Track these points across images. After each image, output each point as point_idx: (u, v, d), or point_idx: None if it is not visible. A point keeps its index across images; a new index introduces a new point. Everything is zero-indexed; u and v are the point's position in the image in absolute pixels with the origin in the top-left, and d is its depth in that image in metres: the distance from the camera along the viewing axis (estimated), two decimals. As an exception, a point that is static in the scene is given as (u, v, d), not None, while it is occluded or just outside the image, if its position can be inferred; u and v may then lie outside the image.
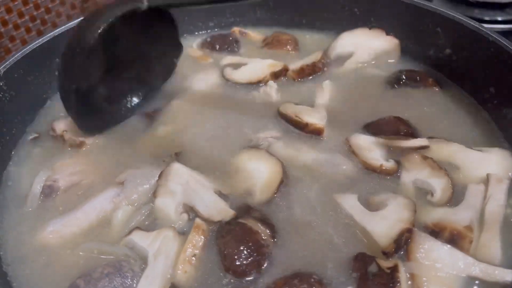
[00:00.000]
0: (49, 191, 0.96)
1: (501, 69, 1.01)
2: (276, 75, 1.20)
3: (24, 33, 1.54)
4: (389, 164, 0.92)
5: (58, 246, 0.86)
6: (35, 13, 1.53)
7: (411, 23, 1.20)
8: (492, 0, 1.47)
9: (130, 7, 0.97)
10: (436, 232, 0.81)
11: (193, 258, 0.79)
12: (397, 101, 1.10)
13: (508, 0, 1.46)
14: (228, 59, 1.28)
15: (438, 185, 0.88)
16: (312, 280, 0.75)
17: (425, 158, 0.92)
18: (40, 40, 1.13)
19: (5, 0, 1.44)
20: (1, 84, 1.03)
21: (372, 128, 1.02)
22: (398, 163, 0.93)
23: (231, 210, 0.85)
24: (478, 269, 0.75)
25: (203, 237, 0.82)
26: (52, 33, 1.15)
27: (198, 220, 0.84)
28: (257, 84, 1.19)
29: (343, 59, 1.23)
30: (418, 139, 0.98)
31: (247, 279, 0.77)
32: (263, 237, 0.80)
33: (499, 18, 1.44)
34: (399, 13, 1.21)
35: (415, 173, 0.91)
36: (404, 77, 1.14)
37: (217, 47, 1.34)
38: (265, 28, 1.40)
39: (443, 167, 0.91)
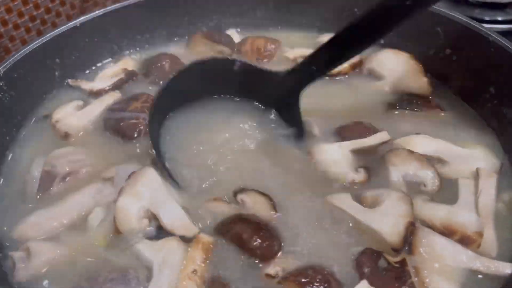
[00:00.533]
0: (47, 177, 0.95)
1: (501, 69, 1.01)
2: (354, 67, 1.20)
3: (24, 33, 1.53)
4: (359, 176, 0.92)
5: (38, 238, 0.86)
6: (35, 13, 1.53)
7: (411, 23, 1.18)
8: (492, 0, 1.47)
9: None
10: (445, 234, 0.82)
11: (194, 274, 0.77)
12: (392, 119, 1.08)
13: (508, 0, 1.46)
14: (295, 52, 1.25)
15: (427, 175, 0.91)
16: (326, 272, 0.76)
17: (411, 152, 0.94)
18: (40, 40, 1.13)
19: (5, 0, 1.43)
20: (1, 84, 1.03)
21: (338, 134, 1.02)
22: (368, 169, 0.93)
23: (195, 227, 0.84)
24: (479, 263, 0.78)
25: (203, 254, 0.80)
26: (52, 33, 1.15)
27: (200, 235, 0.82)
28: (336, 75, 1.19)
29: (370, 75, 1.21)
30: (378, 133, 0.98)
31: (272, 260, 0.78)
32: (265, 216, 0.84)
33: (499, 18, 1.44)
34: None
35: (404, 168, 0.92)
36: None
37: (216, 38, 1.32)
38: (265, 29, 1.40)
39: (429, 159, 0.93)
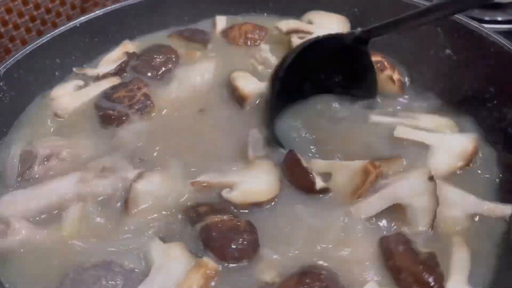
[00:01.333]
0: (28, 157, 0.95)
1: (501, 69, 1.01)
2: None
3: (24, 33, 1.54)
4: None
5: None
6: (35, 13, 1.53)
7: (411, 23, 1.20)
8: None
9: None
10: None
11: None
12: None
13: (508, 0, 1.46)
14: (289, 23, 1.25)
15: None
16: (322, 276, 0.75)
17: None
18: (40, 40, 1.13)
19: (5, 0, 1.44)
20: (1, 84, 1.03)
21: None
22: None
23: None
24: (485, 207, 0.86)
25: (202, 281, 0.75)
26: (52, 33, 1.15)
27: (205, 260, 0.77)
28: None
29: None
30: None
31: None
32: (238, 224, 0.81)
33: (499, 18, 1.44)
34: (399, 13, 1.21)
35: None
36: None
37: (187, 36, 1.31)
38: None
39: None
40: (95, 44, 1.26)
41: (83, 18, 1.21)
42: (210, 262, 0.77)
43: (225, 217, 0.82)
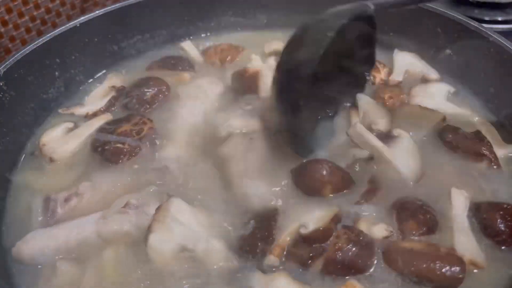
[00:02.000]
0: (47, 205, 0.92)
1: (501, 69, 1.01)
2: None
3: (24, 33, 1.54)
4: None
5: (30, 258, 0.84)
6: (35, 13, 1.53)
7: (411, 23, 1.20)
8: (492, 0, 1.47)
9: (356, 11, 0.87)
10: None
11: None
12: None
13: (508, 0, 1.46)
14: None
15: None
16: (424, 206, 0.84)
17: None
18: (40, 40, 1.13)
19: (5, 0, 1.44)
20: (1, 84, 1.03)
21: None
22: None
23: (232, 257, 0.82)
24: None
25: None
26: (52, 33, 1.15)
27: (352, 282, 0.76)
28: None
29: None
30: None
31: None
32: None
33: (499, 18, 1.44)
34: (399, 13, 1.21)
35: None
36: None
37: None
38: (264, 29, 1.40)
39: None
40: (95, 44, 1.26)
41: (83, 18, 1.21)
42: (356, 283, 0.76)
43: (329, 243, 0.81)
